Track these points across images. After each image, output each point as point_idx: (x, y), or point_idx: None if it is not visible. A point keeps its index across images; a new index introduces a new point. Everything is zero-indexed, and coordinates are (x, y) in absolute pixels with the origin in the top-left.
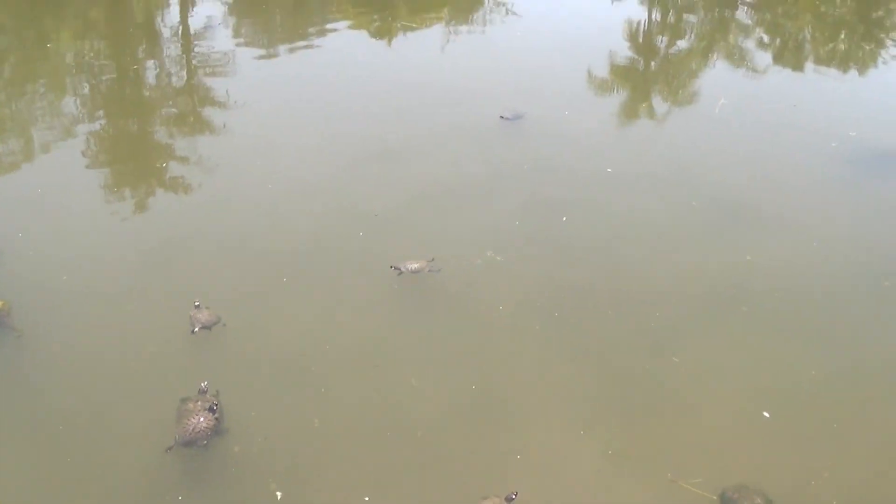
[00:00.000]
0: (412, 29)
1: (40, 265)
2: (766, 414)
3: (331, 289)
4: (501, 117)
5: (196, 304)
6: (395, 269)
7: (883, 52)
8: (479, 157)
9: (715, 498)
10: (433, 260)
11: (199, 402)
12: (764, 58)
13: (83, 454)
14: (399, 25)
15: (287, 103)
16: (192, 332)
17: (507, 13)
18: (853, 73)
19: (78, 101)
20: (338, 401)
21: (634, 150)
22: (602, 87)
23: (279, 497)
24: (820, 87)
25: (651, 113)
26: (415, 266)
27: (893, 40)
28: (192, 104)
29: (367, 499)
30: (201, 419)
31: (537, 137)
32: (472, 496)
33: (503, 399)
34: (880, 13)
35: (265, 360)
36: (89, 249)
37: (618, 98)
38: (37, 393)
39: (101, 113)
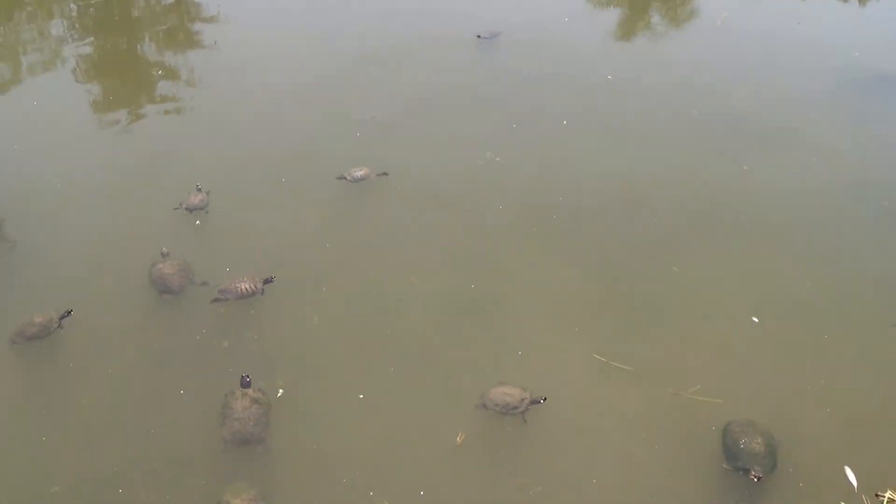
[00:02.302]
0: None
1: (34, 178)
2: (755, 319)
3: (331, 189)
4: (478, 37)
5: (198, 186)
6: (342, 178)
7: None
8: (473, 66)
9: (721, 401)
10: (379, 171)
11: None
12: None
13: (79, 353)
14: None
15: (275, 15)
16: (175, 207)
17: None
18: None
19: (67, 23)
20: (337, 299)
21: (635, 61)
22: (601, 1)
23: (280, 394)
24: (825, 6)
25: (652, 26)
26: (360, 173)
27: None
28: (182, 21)
29: (361, 396)
30: (248, 284)
31: (534, 47)
32: (469, 392)
33: (501, 299)
34: None
35: (265, 258)
36: (83, 161)
37: (617, 12)
38: (32, 298)
39: (90, 33)
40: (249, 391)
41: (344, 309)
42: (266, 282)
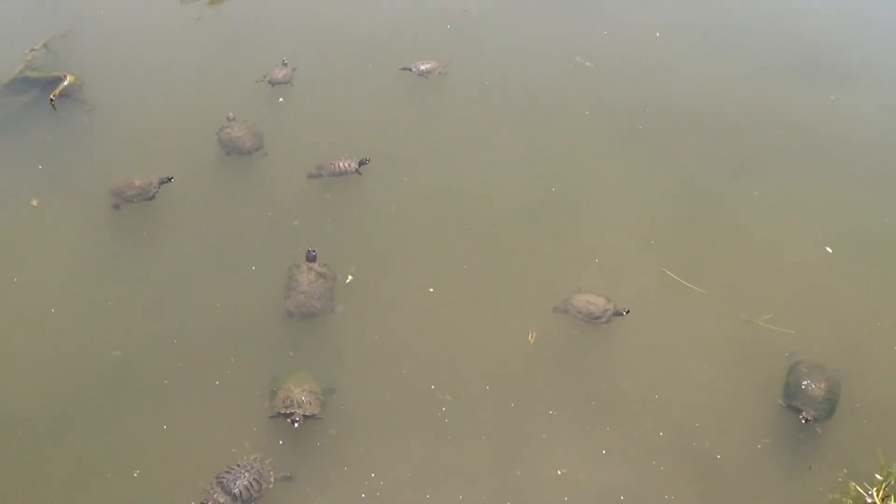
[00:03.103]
0: None
1: (117, 44)
2: (828, 249)
3: (418, 80)
4: None
5: (284, 61)
6: (406, 69)
7: None
8: None
9: (792, 332)
10: (446, 65)
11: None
12: None
13: (150, 222)
14: None
15: None
16: (258, 80)
17: None
18: None
19: None
20: (418, 190)
21: None
22: None
23: (349, 280)
24: None
25: None
26: (426, 67)
27: None
28: None
29: (431, 290)
30: (344, 162)
31: None
32: (543, 294)
33: (580, 204)
34: None
35: (346, 142)
36: (166, 30)
37: None
38: (104, 161)
39: None
40: (315, 265)
41: (423, 201)
42: (361, 163)
